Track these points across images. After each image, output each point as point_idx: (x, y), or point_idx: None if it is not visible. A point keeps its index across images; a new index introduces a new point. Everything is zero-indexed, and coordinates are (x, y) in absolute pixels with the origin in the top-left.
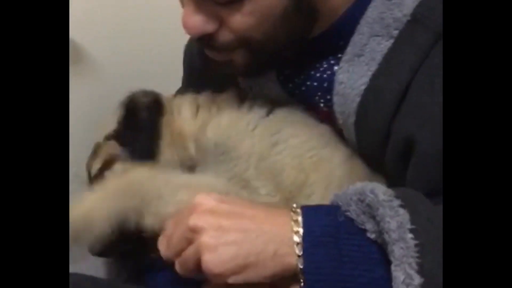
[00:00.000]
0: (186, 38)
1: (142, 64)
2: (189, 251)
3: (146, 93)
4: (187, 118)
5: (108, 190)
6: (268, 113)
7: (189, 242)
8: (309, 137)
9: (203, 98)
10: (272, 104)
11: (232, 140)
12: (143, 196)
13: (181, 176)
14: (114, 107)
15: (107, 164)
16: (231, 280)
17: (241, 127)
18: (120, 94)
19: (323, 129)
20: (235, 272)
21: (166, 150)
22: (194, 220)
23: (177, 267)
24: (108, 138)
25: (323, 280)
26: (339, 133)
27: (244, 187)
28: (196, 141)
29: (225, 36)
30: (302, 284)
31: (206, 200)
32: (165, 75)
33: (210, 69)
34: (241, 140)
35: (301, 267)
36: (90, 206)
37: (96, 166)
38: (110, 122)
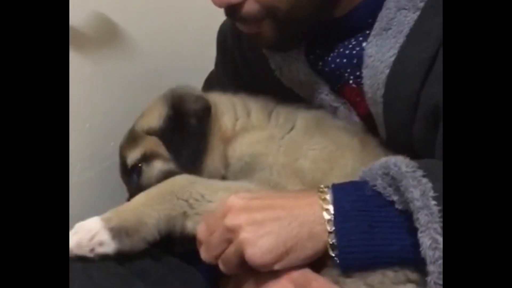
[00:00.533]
0: (221, 18)
1: (177, 44)
2: (231, 250)
3: (197, 98)
4: (228, 128)
5: (154, 195)
6: (291, 129)
7: (229, 242)
8: (325, 145)
9: (240, 107)
10: (297, 109)
11: (259, 157)
12: (187, 199)
13: (219, 181)
14: (149, 87)
15: (146, 159)
16: (277, 267)
17: (267, 147)
18: (155, 73)
19: (338, 128)
20: (278, 259)
21: (209, 158)
22: (230, 221)
23: (221, 266)
24: (150, 132)
25: (356, 252)
26: (365, 121)
27: (274, 188)
28: (228, 152)
29: (251, 6)
30: (335, 258)
31: (236, 201)
32: (199, 54)
33: (242, 49)
34: (267, 156)
35: (333, 241)
36: (141, 210)
37: (135, 156)
38: (152, 115)
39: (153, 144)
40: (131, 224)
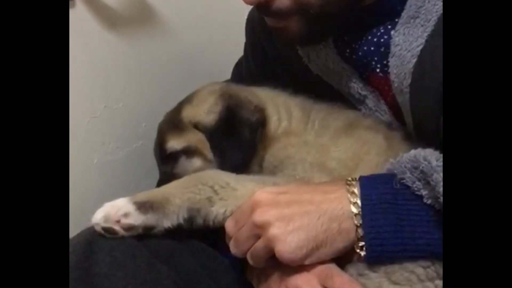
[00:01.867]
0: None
1: (210, 28)
2: (259, 245)
3: (255, 109)
4: (271, 133)
5: (183, 181)
6: (324, 134)
7: (257, 237)
8: (350, 144)
9: (283, 110)
10: (332, 112)
11: (289, 160)
12: (213, 185)
13: (246, 175)
14: (183, 70)
15: (188, 152)
16: (307, 262)
17: (298, 151)
18: (189, 56)
19: (365, 127)
20: (309, 254)
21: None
22: (258, 217)
23: (250, 260)
24: (198, 127)
25: (384, 244)
26: (393, 110)
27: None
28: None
29: (282, 2)
30: (364, 250)
31: (263, 196)
32: (232, 39)
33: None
34: (295, 158)
35: (362, 234)
36: (168, 191)
37: (177, 145)
38: (204, 109)
39: (199, 141)
40: (156, 200)
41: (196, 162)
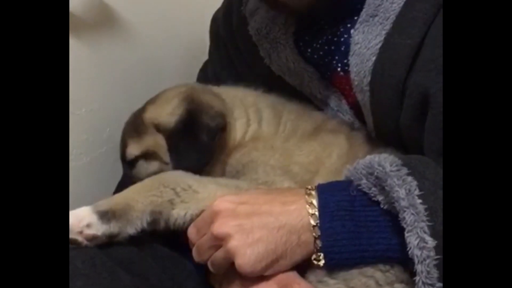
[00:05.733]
0: (216, 5)
1: (174, 30)
2: (219, 256)
3: (215, 114)
4: (236, 139)
5: (144, 184)
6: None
7: (218, 247)
8: (312, 149)
9: (252, 113)
10: (303, 114)
11: (252, 164)
12: (175, 187)
13: (208, 177)
14: (147, 74)
15: (146, 156)
16: (267, 273)
17: (263, 155)
18: (152, 60)
19: (328, 130)
20: (269, 266)
21: (209, 167)
22: (218, 228)
23: (210, 268)
24: (158, 128)
25: (342, 252)
26: (354, 110)
27: (262, 185)
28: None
29: None
30: (322, 260)
31: (224, 205)
32: (196, 41)
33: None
34: (257, 162)
35: (321, 245)
36: (130, 196)
37: (135, 150)
38: (166, 110)
39: (157, 145)
40: (118, 208)
41: (154, 165)
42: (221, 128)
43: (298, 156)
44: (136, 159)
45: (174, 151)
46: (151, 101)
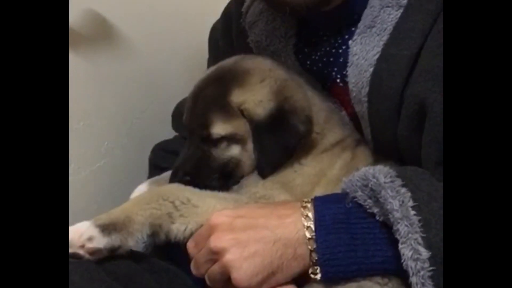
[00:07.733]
0: (213, 19)
1: (171, 44)
2: (216, 270)
3: (306, 119)
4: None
5: (144, 197)
6: None
7: (214, 261)
8: (319, 161)
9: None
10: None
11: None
12: (173, 200)
13: (208, 191)
14: (144, 87)
15: (231, 139)
16: (263, 287)
17: None
18: (149, 73)
19: (343, 145)
20: (265, 280)
21: None
22: (214, 242)
23: (208, 282)
24: (246, 116)
25: (338, 265)
26: (353, 120)
27: (260, 199)
28: None
29: None
30: (319, 274)
31: (220, 219)
32: (193, 54)
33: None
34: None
35: (316, 259)
36: (130, 209)
37: (223, 130)
38: (256, 98)
39: (245, 132)
40: (119, 221)
41: (235, 149)
42: (309, 135)
43: (305, 167)
44: (221, 139)
45: (260, 144)
46: (234, 82)
